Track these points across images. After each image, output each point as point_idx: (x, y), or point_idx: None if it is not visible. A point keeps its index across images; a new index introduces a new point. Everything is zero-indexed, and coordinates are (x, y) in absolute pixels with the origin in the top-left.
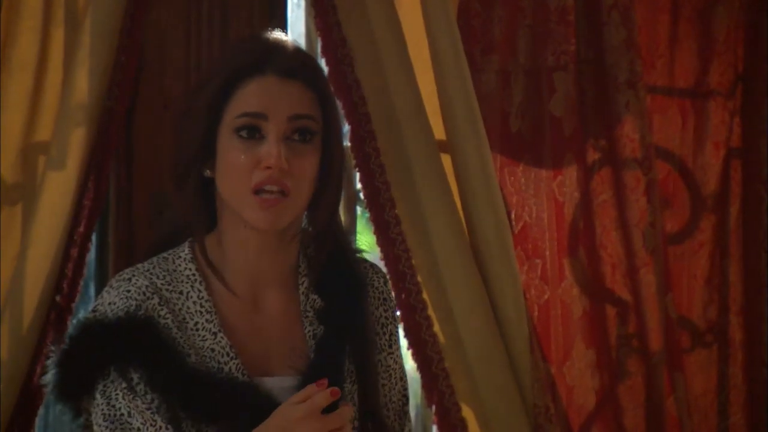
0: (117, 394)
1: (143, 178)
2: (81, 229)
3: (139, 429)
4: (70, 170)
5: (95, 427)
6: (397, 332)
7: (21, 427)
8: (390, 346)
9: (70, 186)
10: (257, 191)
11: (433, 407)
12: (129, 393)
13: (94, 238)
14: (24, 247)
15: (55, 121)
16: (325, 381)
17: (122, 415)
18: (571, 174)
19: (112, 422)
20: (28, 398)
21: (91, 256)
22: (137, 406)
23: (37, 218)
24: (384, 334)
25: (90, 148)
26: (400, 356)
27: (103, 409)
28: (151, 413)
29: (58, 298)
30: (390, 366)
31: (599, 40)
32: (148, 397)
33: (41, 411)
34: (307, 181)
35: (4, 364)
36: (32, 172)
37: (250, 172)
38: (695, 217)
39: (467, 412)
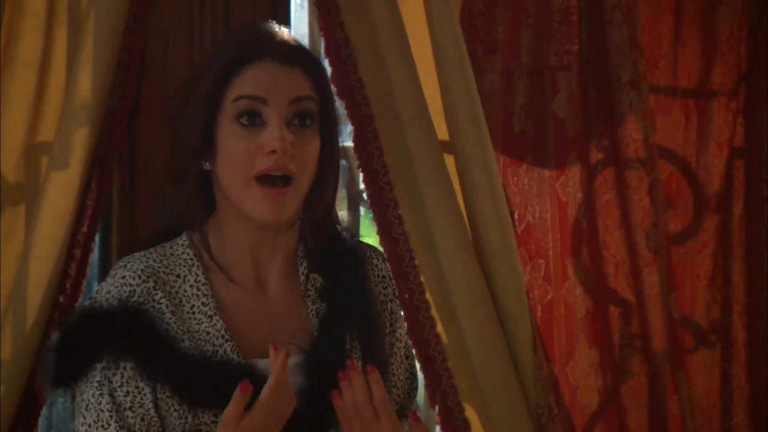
0: (87, 387)
1: (146, 178)
2: (84, 229)
3: (90, 425)
4: (73, 170)
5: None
6: (398, 311)
7: (24, 427)
8: (391, 325)
9: (73, 186)
10: (260, 178)
11: (436, 407)
12: (98, 389)
13: (97, 238)
14: (27, 248)
15: (58, 121)
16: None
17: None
18: (574, 174)
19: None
20: (31, 398)
21: (95, 256)
22: (99, 403)
23: (40, 218)
24: (384, 311)
25: (93, 148)
26: (403, 335)
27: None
28: (110, 414)
29: (61, 299)
30: (393, 344)
31: (602, 40)
32: (123, 390)
33: (44, 411)
34: (309, 165)
35: (7, 363)
36: (35, 173)
37: (252, 159)
38: (698, 217)
39: (470, 413)
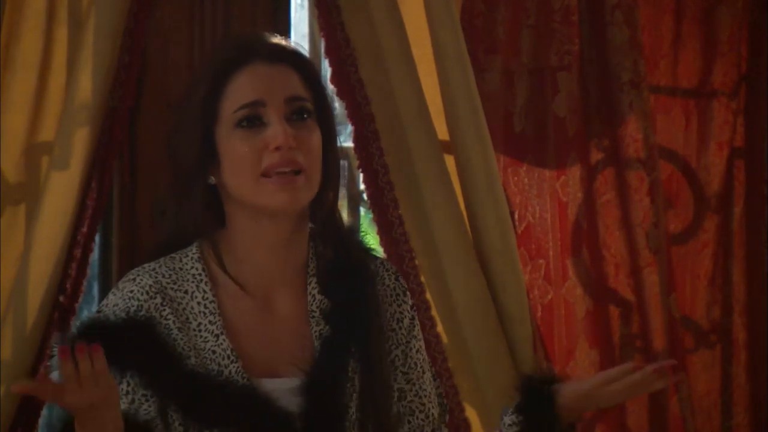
0: None
1: (146, 178)
2: (84, 229)
3: None
4: (73, 170)
5: None
6: (416, 325)
7: (24, 426)
8: (408, 341)
9: (74, 186)
10: (267, 175)
11: None
12: None
13: (97, 238)
14: (27, 248)
15: (58, 121)
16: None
17: None
18: (574, 174)
19: None
20: (31, 398)
21: (95, 256)
22: None
23: (40, 218)
24: (400, 329)
25: (93, 148)
26: (422, 348)
27: None
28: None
29: (61, 299)
30: (412, 357)
31: (602, 40)
32: (129, 398)
33: (45, 411)
34: (316, 154)
35: (7, 363)
36: (36, 172)
37: (258, 160)
38: (698, 217)
39: (470, 412)
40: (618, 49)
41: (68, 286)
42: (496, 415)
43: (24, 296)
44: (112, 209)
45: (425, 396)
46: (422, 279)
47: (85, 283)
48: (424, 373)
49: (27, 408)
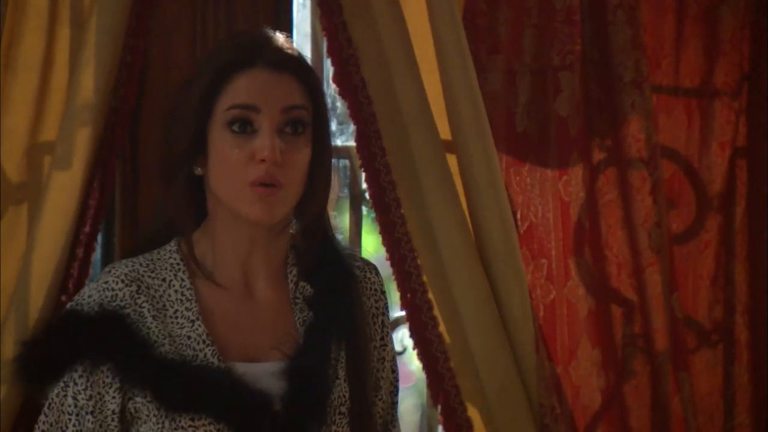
0: (58, 394)
1: (149, 178)
2: (86, 228)
3: (51, 424)
4: (75, 170)
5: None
6: (389, 324)
7: (26, 427)
8: (382, 339)
9: (76, 186)
10: (252, 184)
11: (439, 407)
12: (62, 390)
13: (99, 237)
14: (29, 247)
15: (60, 121)
16: None
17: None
18: (576, 174)
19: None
20: (33, 398)
21: (97, 255)
22: (62, 404)
23: (42, 218)
24: (375, 324)
25: (95, 148)
26: (392, 348)
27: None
28: (68, 417)
29: (63, 298)
30: (383, 357)
31: (605, 40)
32: (87, 393)
33: None
34: (299, 173)
35: (8, 363)
36: (38, 172)
37: (244, 167)
38: (701, 217)
39: (473, 412)
40: (620, 49)
41: (70, 285)
42: (498, 414)
43: (26, 296)
44: (114, 208)
45: (386, 399)
46: (424, 279)
47: (87, 282)
48: (388, 375)
49: (29, 407)
